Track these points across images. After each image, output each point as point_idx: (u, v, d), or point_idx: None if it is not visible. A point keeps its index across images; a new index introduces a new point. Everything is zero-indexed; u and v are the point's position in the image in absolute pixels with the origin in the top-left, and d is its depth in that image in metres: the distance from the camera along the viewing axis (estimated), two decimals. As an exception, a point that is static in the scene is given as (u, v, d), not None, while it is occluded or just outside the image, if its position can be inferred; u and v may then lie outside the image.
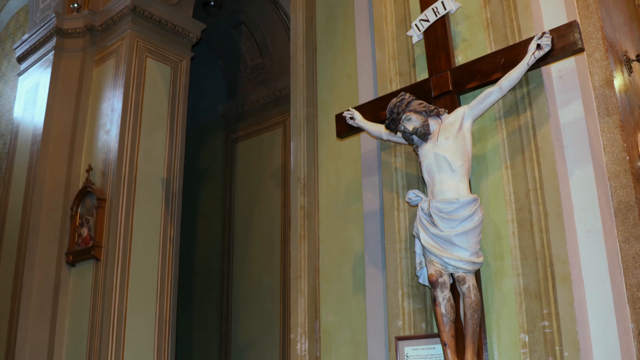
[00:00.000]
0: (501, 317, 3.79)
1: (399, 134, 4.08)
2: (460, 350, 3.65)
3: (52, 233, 8.38)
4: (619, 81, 4.45)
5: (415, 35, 4.62)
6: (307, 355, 5.22)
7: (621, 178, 4.05)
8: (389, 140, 4.41)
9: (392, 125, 4.02)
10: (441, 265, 3.68)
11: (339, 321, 5.13)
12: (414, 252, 3.96)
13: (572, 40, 3.65)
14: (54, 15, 9.17)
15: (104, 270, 7.79)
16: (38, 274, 8.16)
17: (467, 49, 4.38)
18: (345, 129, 4.72)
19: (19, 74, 10.01)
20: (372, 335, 4.77)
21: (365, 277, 4.95)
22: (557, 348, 3.51)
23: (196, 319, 11.56)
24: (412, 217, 4.30)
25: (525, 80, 3.93)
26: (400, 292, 4.26)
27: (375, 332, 4.74)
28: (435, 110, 3.96)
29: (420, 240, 3.79)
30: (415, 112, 3.93)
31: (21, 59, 9.96)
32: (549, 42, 3.68)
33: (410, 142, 4.00)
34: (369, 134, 4.61)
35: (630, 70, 4.89)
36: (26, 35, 9.87)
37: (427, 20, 4.51)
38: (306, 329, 5.27)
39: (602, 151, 4.12)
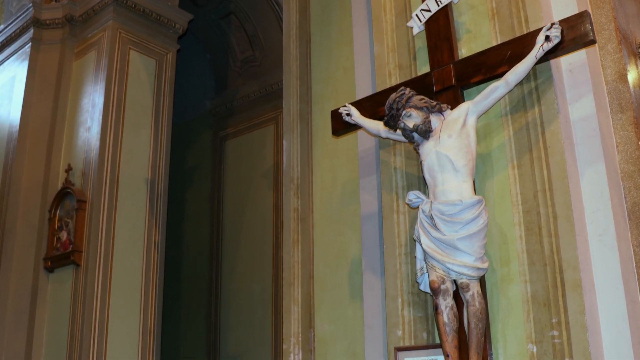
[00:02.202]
0: (507, 326, 3.78)
1: (398, 131, 4.07)
2: (464, 361, 3.64)
3: (29, 237, 8.35)
4: (632, 75, 4.44)
5: (416, 26, 4.61)
6: (300, 367, 5.22)
7: (635, 178, 4.05)
8: (387, 138, 4.41)
9: (392, 122, 4.01)
10: (443, 271, 3.68)
11: (335, 331, 5.12)
12: (415, 257, 3.96)
13: (583, 32, 3.65)
14: (31, 5, 9.14)
15: (84, 277, 7.76)
16: (14, 280, 8.13)
17: (471, 41, 4.37)
18: (341, 126, 4.71)
19: (-6, 67, 9.99)
20: (369, 345, 4.76)
21: (362, 283, 4.94)
22: (567, 359, 3.50)
23: (183, 328, 11.53)
24: (413, 220, 4.29)
25: (533, 74, 3.92)
26: (399, 300, 4.25)
27: (373, 343, 4.73)
28: (437, 106, 3.96)
29: (421, 244, 3.78)
30: (416, 108, 3.93)
31: (-4, 51, 9.94)
32: (559, 34, 3.67)
33: (411, 140, 3.99)
34: (367, 131, 4.61)
35: (644, 64, 4.89)
36: (1, 26, 9.84)
37: (429, 10, 4.50)
38: (300, 339, 5.26)
39: (615, 150, 4.12)
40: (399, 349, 4.15)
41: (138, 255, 8.17)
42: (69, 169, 8.45)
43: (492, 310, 3.84)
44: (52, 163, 8.66)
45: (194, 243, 11.85)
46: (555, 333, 3.56)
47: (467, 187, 3.73)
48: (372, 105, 4.54)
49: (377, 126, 4.37)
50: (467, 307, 3.66)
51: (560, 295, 3.59)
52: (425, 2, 4.53)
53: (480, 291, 3.67)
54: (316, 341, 5.20)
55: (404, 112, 3.93)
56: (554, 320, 3.59)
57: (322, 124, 5.62)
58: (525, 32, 4.01)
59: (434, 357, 3.99)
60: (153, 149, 8.67)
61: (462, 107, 3.90)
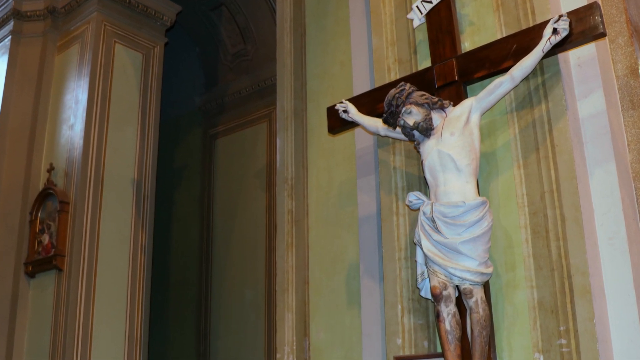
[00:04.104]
0: (513, 334, 3.77)
1: (398, 129, 4.06)
2: (467, 372, 3.63)
3: (9, 240, 8.33)
4: (644, 70, 4.44)
5: (417, 18, 4.60)
6: (295, 378, 5.21)
7: (647, 179, 4.04)
8: (386, 136, 4.40)
9: (391, 119, 4.00)
10: (445, 276, 3.67)
11: (331, 339, 5.11)
12: (415, 261, 3.95)
13: (592, 24, 3.64)
14: (11, -5, 9.14)
15: (67, 282, 7.74)
16: (-7, 286, 8.12)
17: (474, 34, 4.36)
18: (337, 124, 4.70)
19: (-28, 62, 9.96)
20: (368, 354, 4.75)
21: (360, 289, 4.93)
22: (575, 369, 3.50)
23: (171, 337, 11.52)
24: (413, 222, 4.28)
25: (540, 68, 3.91)
26: (399, 307, 4.24)
27: (371, 352, 4.72)
28: (439, 102, 3.95)
29: (422, 248, 3.77)
30: (417, 104, 3.92)
31: (-26, 45, 9.91)
32: (567, 26, 3.66)
33: (411, 138, 3.98)
34: (365, 129, 4.59)
35: (657, 58, 4.89)
36: (-21, 19, 9.82)
37: (430, 2, 4.49)
38: (294, 347, 5.25)
39: (626, 148, 4.11)
40: (399, 358, 4.14)
41: (124, 259, 8.16)
42: (51, 169, 8.44)
43: (497, 318, 3.83)
44: (33, 162, 8.65)
45: (182, 246, 11.83)
46: (563, 342, 3.55)
47: (471, 187, 3.71)
48: (370, 102, 4.54)
49: (376, 124, 4.36)
50: (470, 314, 3.65)
51: (568, 301, 3.58)
52: (426, -7, 4.53)
53: (484, 297, 3.66)
54: (311, 350, 5.19)
55: (403, 109, 3.92)
56: (562, 328, 3.58)
57: (318, 121, 5.61)
58: (531, 25, 4.00)
59: (435, 367, 3.99)
60: (139, 148, 8.65)
61: (465, 104, 3.89)
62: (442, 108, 3.95)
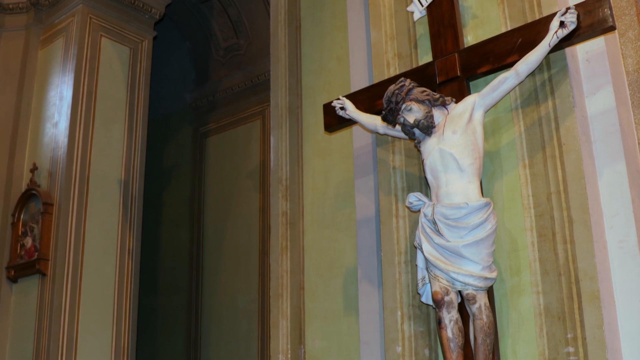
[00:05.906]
0: (518, 342, 3.77)
1: (397, 127, 4.06)
2: (470, 381, 3.63)
3: (-11, 243, 8.32)
4: (655, 65, 4.44)
5: (417, 10, 4.59)
6: (289, 387, 5.21)
7: (659, 179, 4.04)
8: (386, 135, 4.39)
9: (390, 116, 3.99)
10: (447, 281, 3.66)
11: (328, 347, 5.10)
12: (416, 265, 3.94)
13: (601, 17, 3.64)
14: (-9, -13, 9.12)
15: (51, 287, 7.73)
16: (-27, 291, 8.11)
17: (477, 27, 4.36)
18: (334, 121, 4.69)
19: (-49, 57, 9.93)
20: (366, 363, 4.75)
21: (358, 295, 4.93)
22: (584, 379, 3.50)
23: (160, 345, 11.50)
24: (414, 225, 4.27)
25: (546, 63, 3.91)
26: (399, 313, 4.24)
27: (369, 360, 4.72)
28: (441, 99, 3.94)
29: (422, 251, 3.76)
30: (417, 101, 3.91)
31: (-47, 39, 9.88)
32: (575, 19, 3.66)
33: (411, 136, 3.98)
34: (363, 127, 4.59)
35: (668, 53, 4.88)
36: (-42, 11, 9.80)
37: (431, -6, 4.49)
38: (289, 356, 5.25)
39: (637, 147, 4.10)
40: (399, 368, 4.14)
41: (110, 263, 8.14)
42: (34, 169, 8.42)
43: (501, 325, 3.83)
44: (16, 162, 8.63)
45: (172, 250, 11.82)
46: (571, 350, 3.55)
47: (474, 188, 3.71)
48: (368, 99, 4.53)
49: (374, 121, 4.36)
50: (473, 320, 3.65)
51: (576, 308, 3.58)
52: (427, -15, 4.53)
53: (487, 303, 3.65)
54: (307, 358, 5.19)
55: (403, 106, 3.91)
56: (569, 336, 3.57)
57: (314, 119, 5.61)
58: (537, 18, 4.00)
59: (437, 376, 3.98)
60: (127, 147, 8.64)
61: (468, 101, 3.89)
62: (444, 105, 3.94)
